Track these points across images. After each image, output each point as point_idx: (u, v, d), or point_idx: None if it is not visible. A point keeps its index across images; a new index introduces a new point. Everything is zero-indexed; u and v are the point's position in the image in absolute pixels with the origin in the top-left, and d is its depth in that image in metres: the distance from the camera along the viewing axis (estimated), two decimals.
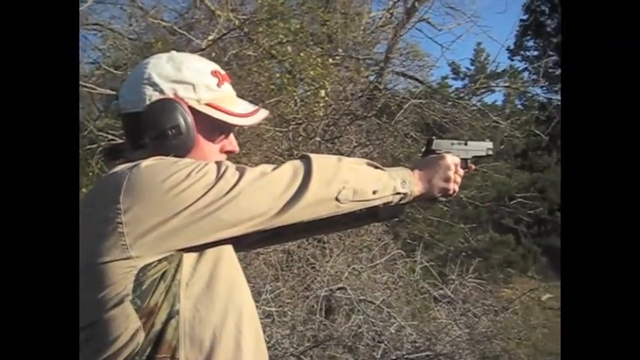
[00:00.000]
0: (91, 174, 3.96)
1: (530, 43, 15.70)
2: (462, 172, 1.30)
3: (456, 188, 1.28)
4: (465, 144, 1.38)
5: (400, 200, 1.19)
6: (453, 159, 1.27)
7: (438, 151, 1.33)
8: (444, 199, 1.31)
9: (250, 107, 1.16)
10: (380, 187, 1.14)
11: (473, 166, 1.38)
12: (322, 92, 4.51)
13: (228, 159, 1.17)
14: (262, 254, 4.16)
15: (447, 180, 1.25)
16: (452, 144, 1.36)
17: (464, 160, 1.35)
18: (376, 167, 1.17)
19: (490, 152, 1.44)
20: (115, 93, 4.59)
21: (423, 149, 1.40)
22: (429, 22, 7.31)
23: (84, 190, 3.97)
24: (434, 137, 1.38)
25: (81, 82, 4.54)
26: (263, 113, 1.18)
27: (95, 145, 3.89)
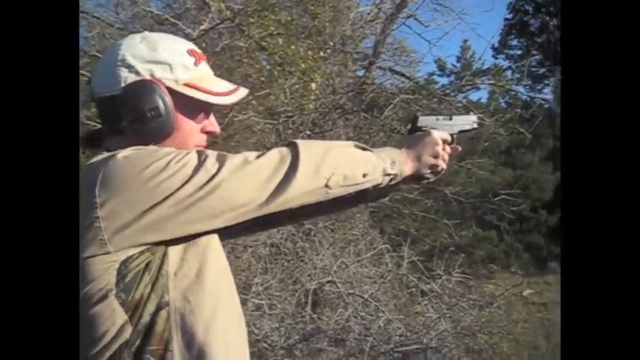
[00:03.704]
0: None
1: (515, 42, 15.85)
2: (449, 148, 1.28)
3: (444, 165, 1.25)
4: (450, 119, 1.35)
5: (390, 181, 1.17)
6: (440, 134, 1.25)
7: (423, 128, 1.30)
8: (433, 177, 1.28)
9: (230, 86, 1.12)
10: (370, 170, 1.11)
11: (459, 148, 1.34)
12: (313, 85, 4.50)
13: (216, 148, 1.14)
14: (251, 247, 4.14)
15: (436, 156, 1.23)
16: (437, 119, 1.33)
17: (450, 136, 1.31)
18: (364, 149, 1.13)
19: (475, 125, 1.40)
20: None
21: (408, 127, 1.37)
22: (417, 19, 7.34)
23: None
24: (418, 114, 1.35)
25: None
26: (242, 92, 1.14)
27: (83, 134, 3.81)
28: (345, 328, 3.98)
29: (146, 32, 1.11)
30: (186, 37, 4.39)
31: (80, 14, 5.51)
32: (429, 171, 1.24)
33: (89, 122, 3.99)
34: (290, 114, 4.63)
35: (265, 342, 3.57)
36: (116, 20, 5.31)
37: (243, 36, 4.36)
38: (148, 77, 1.04)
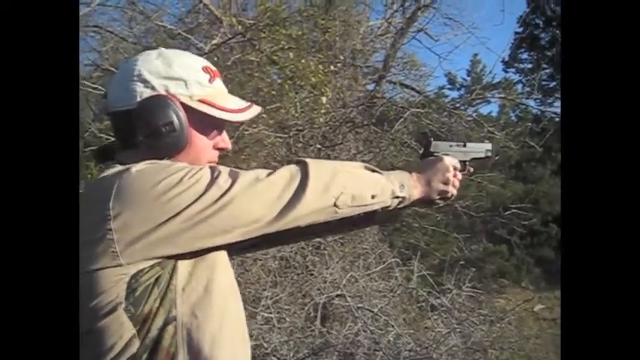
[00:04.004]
0: (89, 176, 3.93)
1: (525, 56, 15.85)
2: (460, 175, 1.29)
3: (454, 192, 1.27)
4: (464, 146, 1.36)
5: (399, 204, 1.18)
6: (451, 161, 1.27)
7: (436, 153, 1.31)
8: (442, 203, 1.29)
9: (243, 103, 1.14)
10: (378, 192, 1.13)
11: (471, 169, 1.37)
12: (323, 99, 4.52)
13: (227, 161, 1.15)
14: (260, 260, 4.14)
15: (446, 182, 1.25)
16: (450, 146, 1.35)
17: (462, 163, 1.33)
18: (373, 171, 1.16)
19: (489, 154, 1.42)
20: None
21: (421, 151, 1.38)
22: (427, 33, 7.37)
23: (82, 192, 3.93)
24: (432, 139, 1.36)
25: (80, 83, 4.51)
26: (255, 109, 1.16)
27: (96, 148, 3.85)
28: (355, 343, 3.95)
29: (162, 48, 1.13)
30: (198, 51, 4.44)
31: (94, 28, 5.60)
32: (438, 196, 1.25)
33: (102, 135, 4.05)
34: (300, 128, 4.65)
35: (274, 356, 3.56)
36: (129, 35, 5.39)
37: (255, 50, 4.40)
38: (163, 93, 1.06)
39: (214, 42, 4.32)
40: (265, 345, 3.49)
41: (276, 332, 3.70)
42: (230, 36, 4.34)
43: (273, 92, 4.59)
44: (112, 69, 4.73)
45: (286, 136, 4.50)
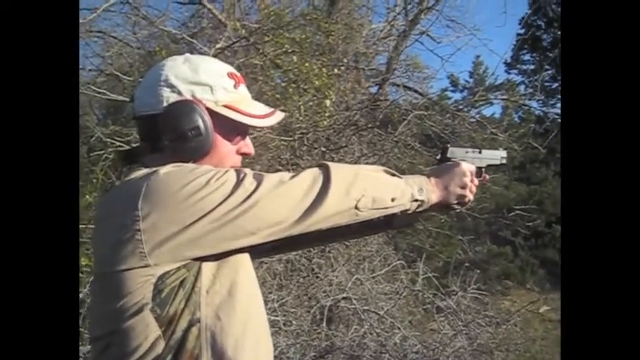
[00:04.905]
0: (95, 181, 3.94)
1: (527, 57, 15.85)
2: (477, 180, 1.30)
3: (471, 197, 1.28)
4: (480, 152, 1.38)
5: (417, 208, 1.19)
6: (468, 166, 1.28)
7: (453, 159, 1.33)
8: (459, 208, 1.31)
9: (267, 109, 1.16)
10: (398, 195, 1.14)
11: (487, 176, 1.39)
12: (327, 102, 4.53)
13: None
14: (266, 263, 4.14)
15: (464, 187, 1.26)
16: (466, 152, 1.37)
17: (478, 169, 1.35)
18: (393, 175, 1.17)
19: (504, 161, 1.44)
20: (117, 99, 4.59)
21: (438, 157, 1.40)
22: (429, 35, 7.37)
23: (87, 197, 3.95)
24: (449, 145, 1.38)
25: (84, 88, 4.53)
26: (279, 115, 1.18)
27: (102, 152, 3.87)
28: (361, 345, 3.95)
29: (188, 54, 1.15)
30: (202, 55, 4.45)
31: (98, 34, 5.62)
32: (455, 201, 1.27)
33: (107, 140, 4.06)
34: (304, 131, 4.66)
35: (281, 358, 3.56)
36: (133, 40, 5.41)
37: (258, 54, 4.42)
38: (189, 97, 1.07)
39: (218, 46, 4.34)
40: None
41: (283, 335, 3.71)
42: (234, 40, 4.36)
43: (277, 96, 4.61)
44: (117, 73, 4.74)
45: (290, 139, 4.50)
